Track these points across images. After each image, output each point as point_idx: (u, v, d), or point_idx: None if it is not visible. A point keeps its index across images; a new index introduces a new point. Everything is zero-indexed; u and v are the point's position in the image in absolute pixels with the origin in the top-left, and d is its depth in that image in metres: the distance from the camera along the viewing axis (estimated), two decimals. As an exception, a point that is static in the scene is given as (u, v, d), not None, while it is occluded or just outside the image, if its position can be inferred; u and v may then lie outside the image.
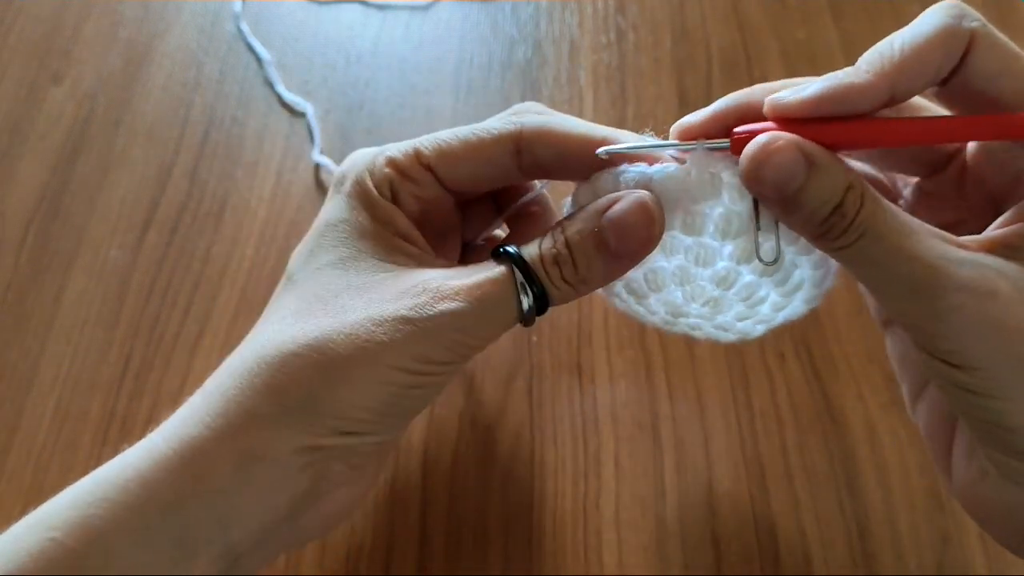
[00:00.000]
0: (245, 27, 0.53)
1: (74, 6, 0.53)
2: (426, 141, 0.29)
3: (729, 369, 0.41)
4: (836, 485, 0.38)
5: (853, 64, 0.24)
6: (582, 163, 0.27)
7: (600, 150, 0.27)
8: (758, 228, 0.26)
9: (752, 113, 0.26)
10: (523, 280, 0.26)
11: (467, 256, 0.34)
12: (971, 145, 0.28)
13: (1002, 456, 0.25)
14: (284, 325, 0.26)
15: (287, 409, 0.25)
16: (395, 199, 0.28)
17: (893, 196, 0.31)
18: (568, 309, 0.43)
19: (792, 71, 0.52)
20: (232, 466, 0.25)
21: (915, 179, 0.30)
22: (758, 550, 0.36)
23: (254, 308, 0.42)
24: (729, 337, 0.33)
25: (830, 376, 0.41)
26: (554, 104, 0.46)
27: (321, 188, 0.47)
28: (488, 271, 0.26)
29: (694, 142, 0.26)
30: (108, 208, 0.46)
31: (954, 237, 0.24)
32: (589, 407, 0.40)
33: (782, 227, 0.26)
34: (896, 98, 0.24)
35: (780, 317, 0.31)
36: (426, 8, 0.55)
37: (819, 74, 0.25)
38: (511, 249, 0.27)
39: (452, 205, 0.30)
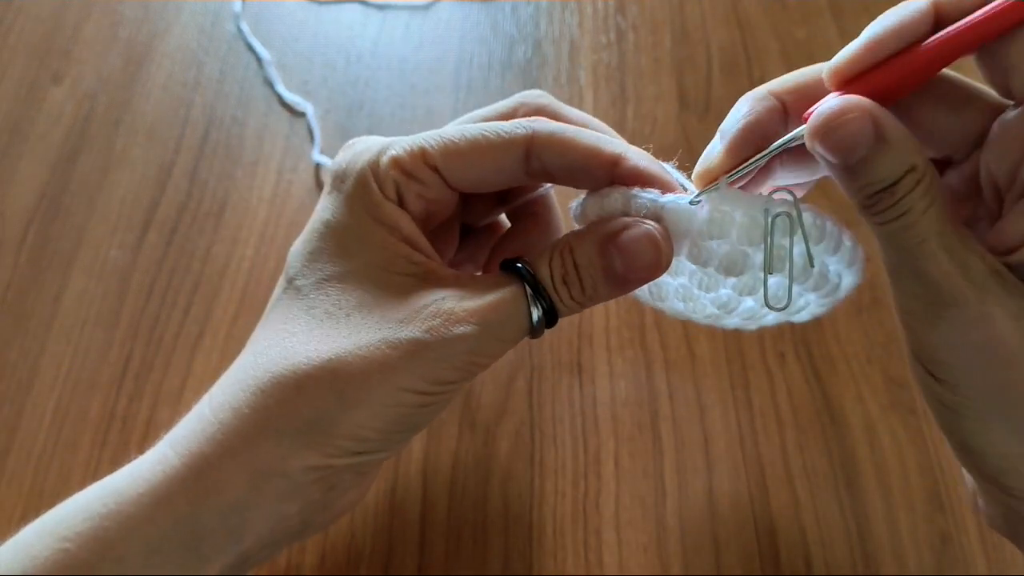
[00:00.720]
0: (245, 27, 0.53)
1: (74, 6, 0.53)
2: (431, 139, 0.28)
3: (729, 369, 0.41)
4: (836, 485, 0.38)
5: None
6: (591, 176, 0.27)
7: (694, 197, 0.26)
8: (769, 273, 0.26)
9: (764, 136, 0.26)
10: (533, 296, 0.26)
11: (465, 242, 0.33)
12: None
13: (976, 475, 0.25)
14: (296, 342, 0.26)
15: (301, 430, 0.25)
16: (400, 201, 0.28)
17: None
18: (568, 309, 0.43)
19: (792, 71, 0.52)
20: (246, 483, 0.25)
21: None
22: (758, 550, 0.36)
23: (254, 308, 0.42)
24: (727, 327, 0.34)
25: (830, 376, 0.41)
26: (554, 104, 0.46)
27: (321, 188, 0.47)
28: (500, 291, 0.26)
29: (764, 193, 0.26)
30: (108, 208, 0.46)
31: (983, 251, 0.24)
32: (589, 407, 0.40)
33: (788, 260, 0.27)
34: (943, 15, 0.23)
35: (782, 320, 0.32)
36: (426, 8, 0.55)
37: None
38: (522, 267, 0.27)
39: (455, 201, 0.30)
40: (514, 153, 0.27)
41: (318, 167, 0.47)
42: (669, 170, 0.28)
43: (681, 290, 0.31)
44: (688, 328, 0.42)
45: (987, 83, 0.25)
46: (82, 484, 0.37)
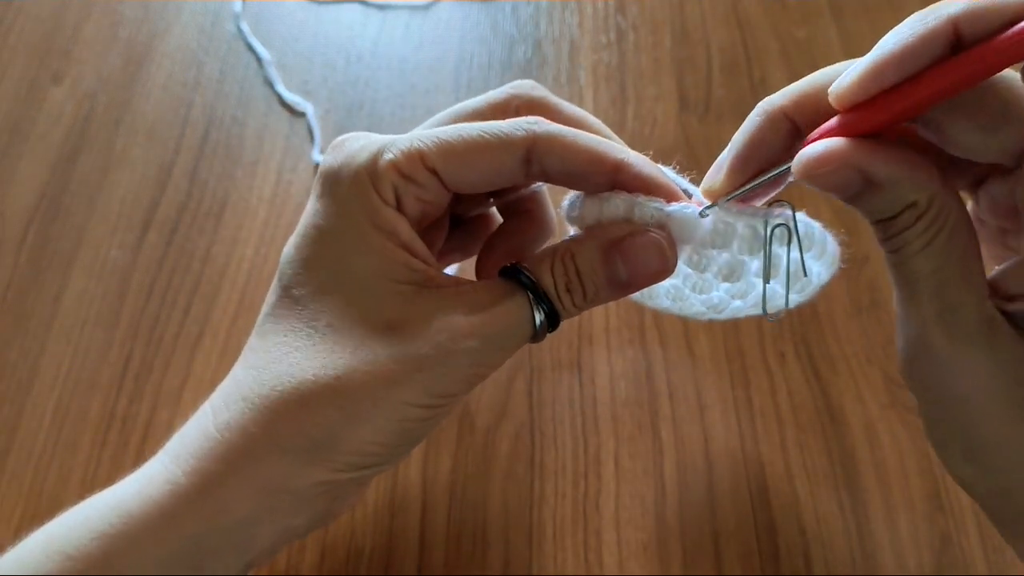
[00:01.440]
0: (245, 27, 0.53)
1: (74, 6, 0.53)
2: (428, 140, 0.26)
3: (729, 369, 0.41)
4: (836, 485, 0.38)
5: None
6: (592, 181, 0.27)
7: (701, 210, 0.26)
8: (767, 282, 0.27)
9: (769, 154, 0.26)
10: (535, 303, 0.26)
11: (453, 232, 0.33)
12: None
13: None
14: (300, 357, 0.26)
15: (307, 448, 0.25)
16: (398, 204, 0.27)
17: None
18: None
19: (792, 71, 0.52)
20: (253, 501, 0.25)
21: None
22: (758, 549, 0.36)
23: (254, 308, 0.42)
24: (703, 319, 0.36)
25: (830, 376, 0.41)
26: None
27: (321, 188, 0.47)
28: (503, 302, 0.26)
29: (772, 208, 0.27)
30: (108, 208, 0.46)
31: (984, 293, 0.24)
32: (589, 407, 0.40)
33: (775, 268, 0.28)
34: (963, 37, 0.21)
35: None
36: (426, 8, 0.55)
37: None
38: (525, 276, 0.27)
39: (449, 199, 0.29)
40: (514, 155, 0.26)
41: (318, 167, 0.47)
42: (669, 174, 0.28)
43: (672, 291, 0.31)
44: (688, 328, 0.42)
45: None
46: (82, 484, 0.37)
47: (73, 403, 0.39)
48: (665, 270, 0.27)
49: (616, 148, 0.27)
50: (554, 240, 0.30)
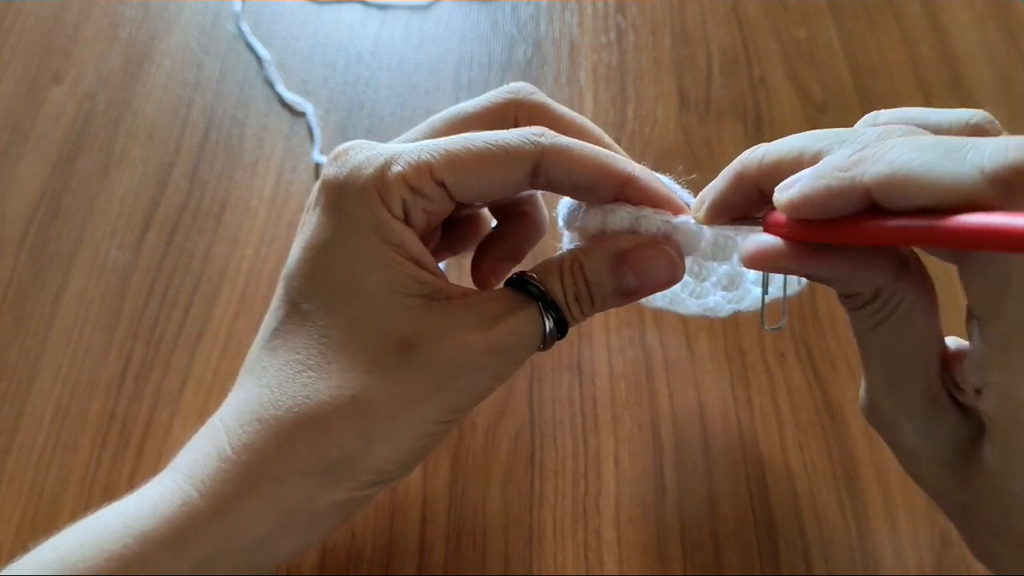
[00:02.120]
0: (245, 27, 0.53)
1: (74, 6, 0.53)
2: (435, 152, 0.26)
3: (729, 369, 0.41)
4: (836, 484, 0.38)
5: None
6: (598, 194, 0.28)
7: (703, 224, 0.27)
8: (765, 293, 0.28)
9: (736, 211, 0.26)
10: (544, 313, 0.27)
11: (444, 232, 0.33)
12: None
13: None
14: (316, 376, 0.26)
15: (326, 470, 0.25)
16: (406, 217, 0.27)
17: None
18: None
19: (792, 71, 0.52)
20: (272, 521, 0.25)
21: None
22: (758, 549, 0.36)
23: (254, 309, 0.42)
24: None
25: (830, 376, 0.41)
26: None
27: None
28: (515, 314, 0.27)
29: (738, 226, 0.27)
30: (108, 208, 0.46)
31: (936, 370, 0.25)
32: (589, 407, 0.40)
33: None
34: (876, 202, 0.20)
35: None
36: (426, 8, 0.55)
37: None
38: (536, 288, 0.27)
39: (452, 209, 0.29)
40: (522, 168, 0.27)
41: (318, 167, 0.47)
42: (672, 186, 0.29)
43: (670, 295, 0.32)
44: (688, 327, 0.42)
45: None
46: (82, 484, 0.37)
47: (73, 403, 0.39)
48: (673, 280, 0.27)
49: (622, 161, 0.27)
50: (546, 242, 0.30)
